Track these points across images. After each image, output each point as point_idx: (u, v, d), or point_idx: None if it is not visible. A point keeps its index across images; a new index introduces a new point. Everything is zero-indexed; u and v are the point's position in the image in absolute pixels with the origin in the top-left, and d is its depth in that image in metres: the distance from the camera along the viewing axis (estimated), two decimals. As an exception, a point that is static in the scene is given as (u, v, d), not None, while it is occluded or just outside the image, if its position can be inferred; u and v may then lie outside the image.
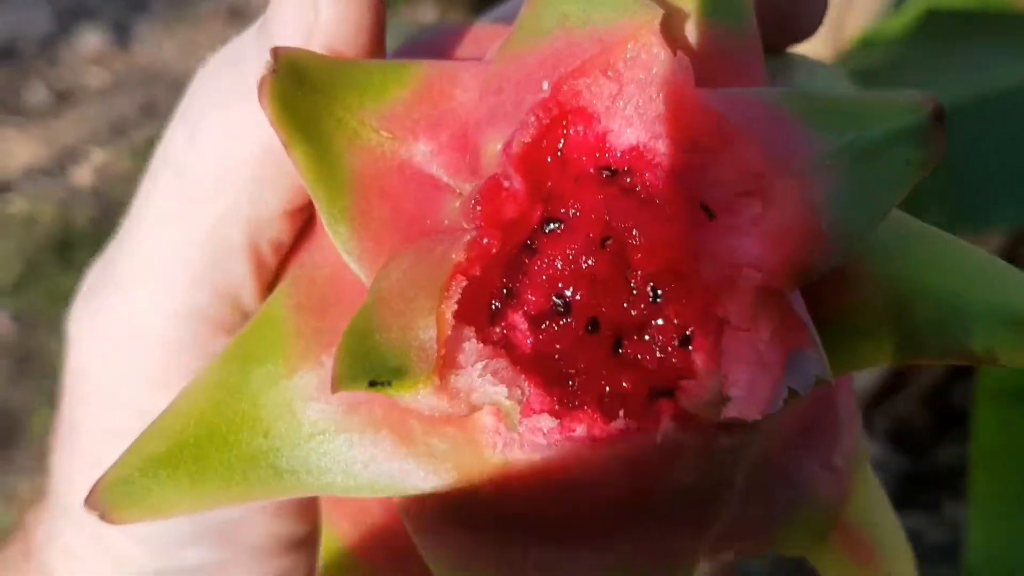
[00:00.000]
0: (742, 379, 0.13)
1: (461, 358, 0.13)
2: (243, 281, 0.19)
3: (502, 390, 0.13)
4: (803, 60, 0.19)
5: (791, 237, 0.13)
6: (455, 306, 0.13)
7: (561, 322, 0.14)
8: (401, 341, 0.12)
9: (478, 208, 0.13)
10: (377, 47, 0.17)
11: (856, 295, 0.14)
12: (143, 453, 0.14)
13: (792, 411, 0.15)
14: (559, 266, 0.14)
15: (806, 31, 0.19)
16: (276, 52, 0.14)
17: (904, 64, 0.69)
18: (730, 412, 0.12)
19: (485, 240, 0.13)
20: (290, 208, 0.18)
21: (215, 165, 0.18)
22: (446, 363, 0.12)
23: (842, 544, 0.18)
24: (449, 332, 0.13)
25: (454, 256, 0.13)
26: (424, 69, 0.14)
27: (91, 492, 0.14)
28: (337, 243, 0.14)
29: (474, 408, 0.13)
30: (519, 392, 0.13)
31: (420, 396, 0.12)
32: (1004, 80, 0.66)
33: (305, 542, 0.21)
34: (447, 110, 0.14)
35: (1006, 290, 0.13)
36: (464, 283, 0.13)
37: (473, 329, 0.13)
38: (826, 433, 0.17)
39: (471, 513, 0.14)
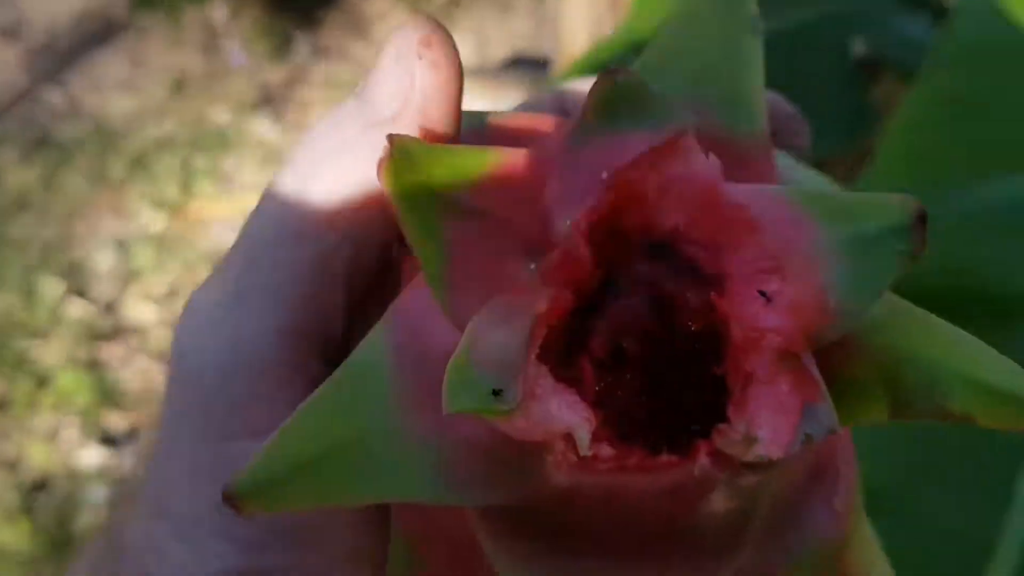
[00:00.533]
0: (767, 424, 0.15)
1: (539, 392, 0.15)
2: (337, 309, 0.22)
3: (575, 419, 0.15)
4: (793, 161, 0.24)
5: (805, 311, 0.16)
6: (537, 349, 0.16)
7: (619, 368, 0.17)
8: (496, 375, 0.15)
9: (556, 271, 0.16)
10: (458, 115, 0.21)
11: (855, 362, 0.17)
12: (271, 462, 0.17)
13: (801, 459, 0.18)
14: (618, 322, 0.17)
15: (797, 147, 0.25)
16: (391, 139, 0.17)
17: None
18: (758, 451, 0.15)
19: (562, 296, 0.16)
20: (382, 246, 0.22)
21: (327, 206, 0.22)
22: (528, 395, 0.15)
23: None
24: (532, 370, 0.15)
25: (538, 308, 0.16)
26: (499, 154, 0.18)
27: (225, 489, 0.17)
28: (436, 295, 0.17)
29: (550, 433, 0.15)
30: (588, 423, 0.15)
31: (510, 420, 0.15)
32: (791, 21, 0.69)
33: (378, 556, 0.23)
34: (520, 188, 0.17)
35: (979, 364, 0.16)
36: (545, 331, 0.16)
37: (548, 368, 0.16)
38: (828, 480, 0.20)
39: (536, 524, 0.17)
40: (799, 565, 0.19)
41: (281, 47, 1.59)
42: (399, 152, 0.17)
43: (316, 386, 0.19)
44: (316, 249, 0.22)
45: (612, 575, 0.17)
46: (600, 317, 0.17)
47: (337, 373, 0.18)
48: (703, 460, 0.15)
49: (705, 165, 0.17)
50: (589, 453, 0.15)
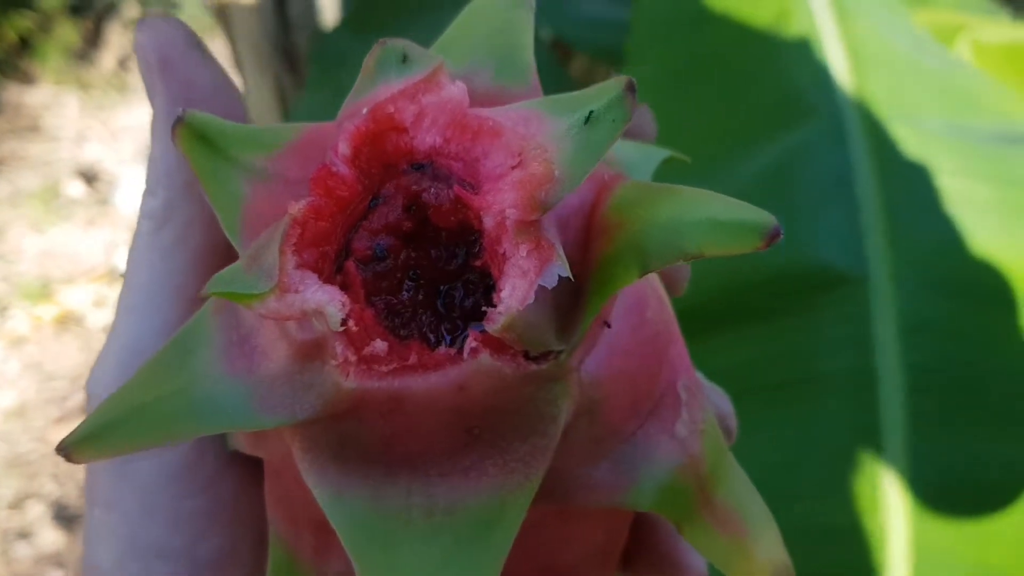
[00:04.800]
0: (508, 285, 0.17)
1: (300, 289, 0.17)
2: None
3: (326, 298, 0.17)
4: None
5: (532, 182, 0.17)
6: (294, 244, 0.17)
7: (382, 265, 0.19)
8: (254, 273, 0.17)
9: (315, 182, 0.18)
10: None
11: (612, 240, 0.18)
12: (103, 415, 0.18)
13: (629, 386, 0.20)
14: (378, 225, 0.19)
15: (645, 136, 0.26)
16: (184, 112, 0.19)
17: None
18: (500, 309, 0.16)
19: (316, 200, 0.18)
20: None
21: (166, 190, 0.23)
22: (286, 287, 0.17)
23: (713, 521, 0.21)
24: (291, 267, 0.17)
25: (292, 212, 0.18)
26: (302, 127, 0.20)
27: (60, 443, 0.18)
28: (231, 239, 0.19)
29: (304, 314, 0.17)
30: (340, 304, 0.17)
31: (263, 302, 0.17)
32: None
33: None
34: (316, 151, 0.20)
35: (710, 206, 0.17)
36: (299, 230, 0.17)
37: (316, 275, 0.17)
38: (668, 408, 0.21)
39: (344, 446, 0.18)
40: (642, 485, 0.20)
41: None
42: (193, 126, 0.19)
43: None
44: (174, 228, 0.23)
45: (428, 493, 0.18)
46: (364, 225, 0.19)
47: (175, 334, 0.20)
48: (476, 346, 0.17)
49: (454, 91, 0.19)
50: (340, 328, 0.17)
